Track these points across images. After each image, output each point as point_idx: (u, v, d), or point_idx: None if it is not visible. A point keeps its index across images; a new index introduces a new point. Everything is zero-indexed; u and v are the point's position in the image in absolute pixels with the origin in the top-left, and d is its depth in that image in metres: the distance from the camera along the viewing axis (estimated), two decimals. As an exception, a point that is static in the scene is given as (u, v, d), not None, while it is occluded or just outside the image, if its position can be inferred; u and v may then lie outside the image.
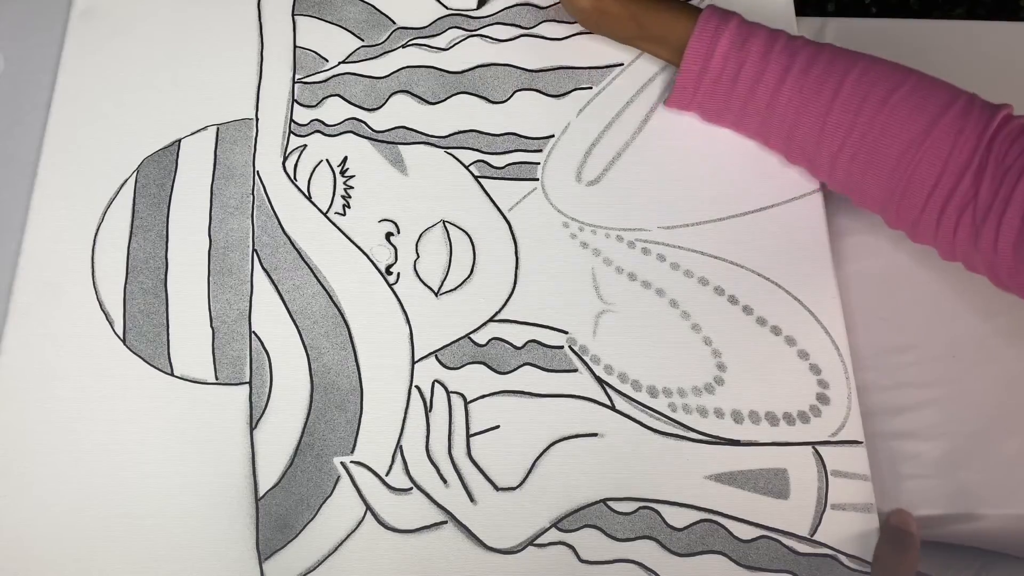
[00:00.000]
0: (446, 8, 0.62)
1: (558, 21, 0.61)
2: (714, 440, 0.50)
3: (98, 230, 0.55)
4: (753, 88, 0.50)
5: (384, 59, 0.60)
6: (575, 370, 0.52)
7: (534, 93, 0.59)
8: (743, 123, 0.54)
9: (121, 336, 0.53)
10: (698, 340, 0.53)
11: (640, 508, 0.49)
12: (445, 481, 0.49)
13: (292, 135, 0.58)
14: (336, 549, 0.48)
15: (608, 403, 0.51)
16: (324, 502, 0.49)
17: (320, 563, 0.48)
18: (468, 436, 0.50)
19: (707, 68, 0.50)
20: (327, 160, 0.57)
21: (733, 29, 0.50)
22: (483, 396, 0.51)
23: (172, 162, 0.57)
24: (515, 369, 0.52)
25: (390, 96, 0.59)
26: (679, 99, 0.54)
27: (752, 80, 0.50)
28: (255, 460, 0.50)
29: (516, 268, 0.54)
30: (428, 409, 0.51)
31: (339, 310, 0.53)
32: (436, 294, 0.54)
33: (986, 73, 0.62)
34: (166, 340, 0.52)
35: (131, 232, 0.55)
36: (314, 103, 0.59)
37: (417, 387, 0.51)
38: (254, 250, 0.55)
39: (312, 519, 0.49)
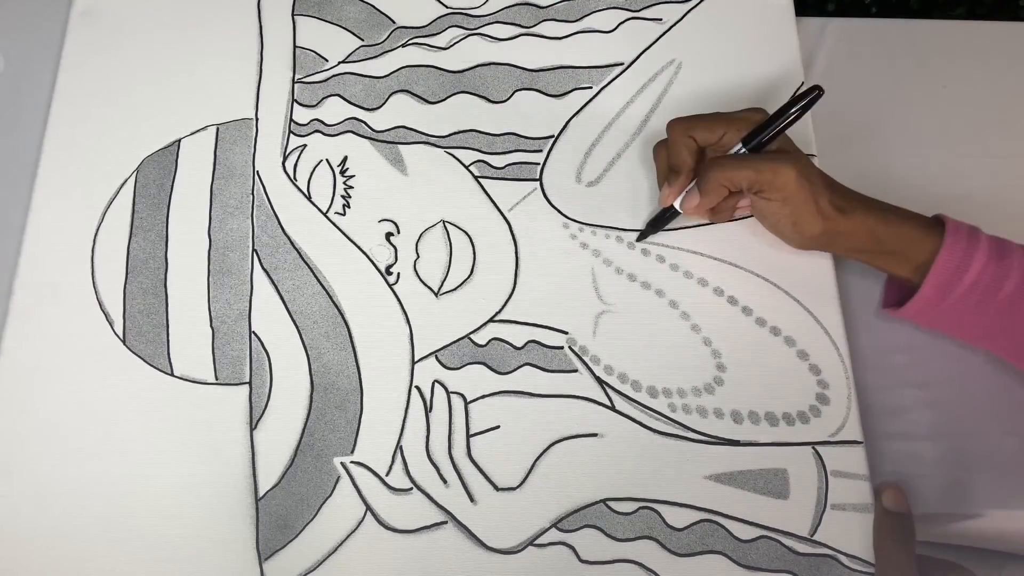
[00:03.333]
0: (446, 7, 0.62)
1: (559, 20, 0.61)
2: (714, 440, 0.50)
3: (98, 230, 0.55)
4: (1015, 301, 0.47)
5: (384, 59, 0.60)
6: (575, 370, 0.52)
7: (534, 93, 0.59)
8: (982, 332, 0.50)
9: (121, 336, 0.53)
10: (698, 340, 0.53)
11: (640, 508, 0.49)
12: (445, 481, 0.49)
13: (292, 135, 0.58)
14: (336, 549, 0.48)
15: (608, 403, 0.51)
16: (324, 502, 0.49)
17: (320, 563, 0.48)
18: (468, 436, 0.50)
19: (960, 281, 0.47)
20: (327, 160, 0.57)
21: (986, 241, 0.47)
22: (483, 396, 0.51)
23: (172, 162, 0.57)
24: (515, 369, 0.52)
25: (390, 96, 0.59)
26: (918, 310, 0.49)
27: (1016, 293, 0.46)
28: (255, 460, 0.50)
29: (516, 268, 0.54)
30: (428, 409, 0.51)
31: (339, 310, 0.53)
32: (436, 294, 0.54)
33: (986, 73, 0.62)
34: (166, 340, 0.52)
35: (131, 232, 0.55)
36: (314, 103, 0.59)
37: (417, 387, 0.51)
38: (254, 250, 0.55)
39: (312, 519, 0.49)
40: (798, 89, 0.48)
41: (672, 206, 0.52)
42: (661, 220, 0.54)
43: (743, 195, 0.51)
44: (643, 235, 0.54)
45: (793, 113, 0.48)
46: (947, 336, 0.52)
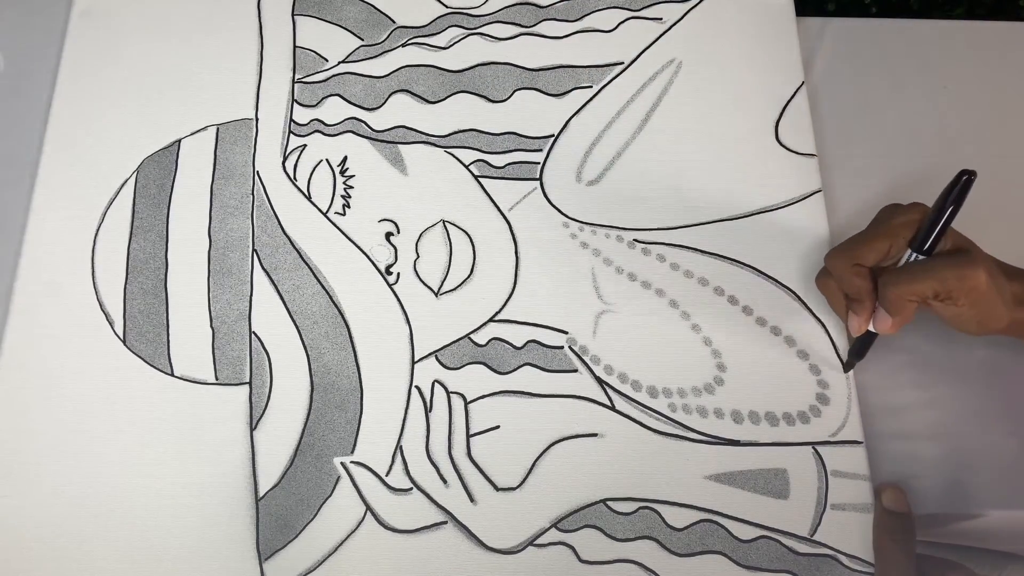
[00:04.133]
0: (446, 7, 0.62)
1: (559, 20, 0.61)
2: (714, 440, 0.50)
3: (98, 230, 0.55)
4: None
5: (384, 58, 0.60)
6: (575, 370, 0.52)
7: (534, 92, 0.59)
8: None
9: (121, 336, 0.53)
10: (698, 340, 0.53)
11: (640, 508, 0.49)
12: (445, 481, 0.49)
13: (292, 135, 0.58)
14: (336, 549, 0.48)
15: (608, 403, 0.51)
16: (324, 502, 0.49)
17: (320, 563, 0.48)
18: (468, 436, 0.50)
19: None
20: (327, 160, 0.57)
21: None
22: (483, 396, 0.51)
23: (172, 162, 0.57)
24: (515, 369, 0.52)
25: (390, 95, 0.59)
26: None
27: None
28: (255, 460, 0.50)
29: (516, 268, 0.54)
30: (428, 409, 0.51)
31: (339, 310, 0.53)
32: (436, 294, 0.54)
33: (986, 73, 0.62)
34: (166, 340, 0.52)
35: (131, 232, 0.55)
36: (314, 103, 0.59)
37: (417, 387, 0.51)
38: (254, 250, 0.55)
39: (312, 519, 0.49)
40: (955, 181, 0.46)
41: (872, 332, 0.49)
42: (864, 346, 0.50)
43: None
44: (850, 365, 0.51)
45: (951, 205, 0.45)
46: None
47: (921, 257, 0.46)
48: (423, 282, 0.54)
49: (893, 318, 0.46)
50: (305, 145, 0.57)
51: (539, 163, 0.57)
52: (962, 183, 0.45)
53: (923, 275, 0.45)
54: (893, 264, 0.48)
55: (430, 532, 0.49)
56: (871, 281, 0.47)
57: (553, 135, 0.58)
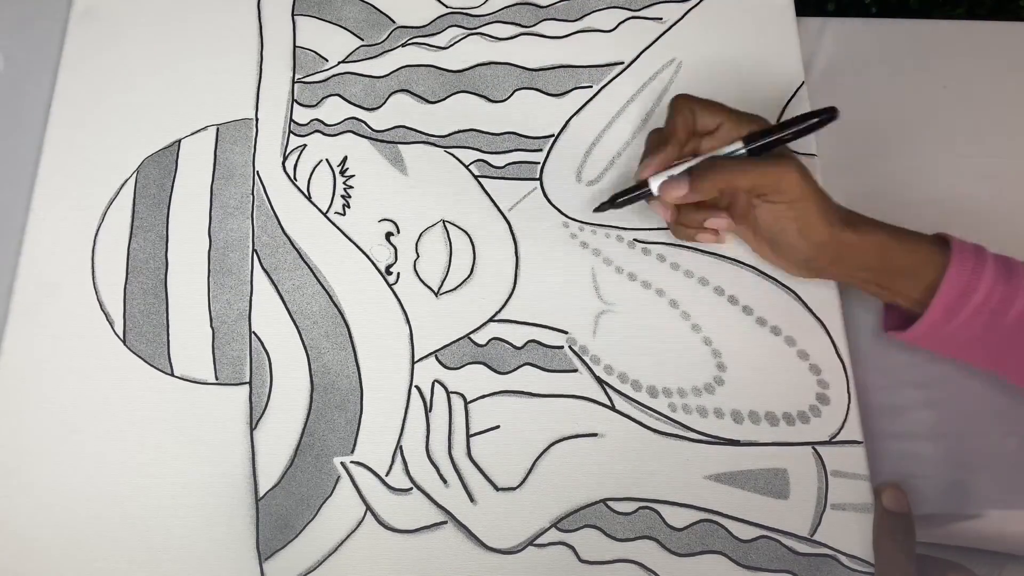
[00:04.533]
0: (446, 7, 0.62)
1: (559, 20, 0.61)
2: (714, 440, 0.50)
3: (98, 230, 0.55)
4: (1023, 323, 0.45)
5: (384, 58, 0.60)
6: (575, 370, 0.52)
7: (534, 92, 0.59)
8: (988, 355, 0.49)
9: (121, 336, 0.53)
10: (698, 340, 0.53)
11: (640, 508, 0.49)
12: (445, 481, 0.49)
13: (292, 135, 0.58)
14: (336, 549, 0.48)
15: (608, 403, 0.51)
16: (324, 502, 0.49)
17: (320, 563, 0.48)
18: (468, 436, 0.50)
19: (967, 302, 0.45)
20: (327, 160, 0.57)
21: (992, 261, 0.46)
22: (483, 396, 0.51)
23: (172, 162, 0.57)
24: (515, 369, 0.52)
25: (390, 95, 0.59)
26: (924, 332, 0.48)
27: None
28: (255, 460, 0.50)
29: (516, 268, 0.54)
30: (428, 409, 0.51)
31: (339, 310, 0.53)
32: (436, 294, 0.54)
33: (986, 73, 0.62)
34: (166, 340, 0.52)
35: (131, 232, 0.55)
36: (314, 103, 0.59)
37: (417, 387, 0.51)
38: (254, 250, 0.55)
39: (312, 519, 0.49)
40: (815, 113, 0.46)
41: (648, 186, 0.49)
42: (628, 197, 0.50)
43: (711, 214, 0.50)
44: (602, 207, 0.52)
45: (802, 128, 0.46)
46: (949, 359, 0.51)
47: (744, 152, 0.48)
48: (423, 282, 0.54)
49: (690, 191, 0.47)
50: (305, 145, 0.57)
51: (539, 163, 0.57)
52: (824, 117, 0.46)
53: (744, 167, 0.46)
54: (713, 149, 0.49)
55: (430, 532, 0.49)
56: (688, 137, 0.49)
57: (553, 135, 0.58)
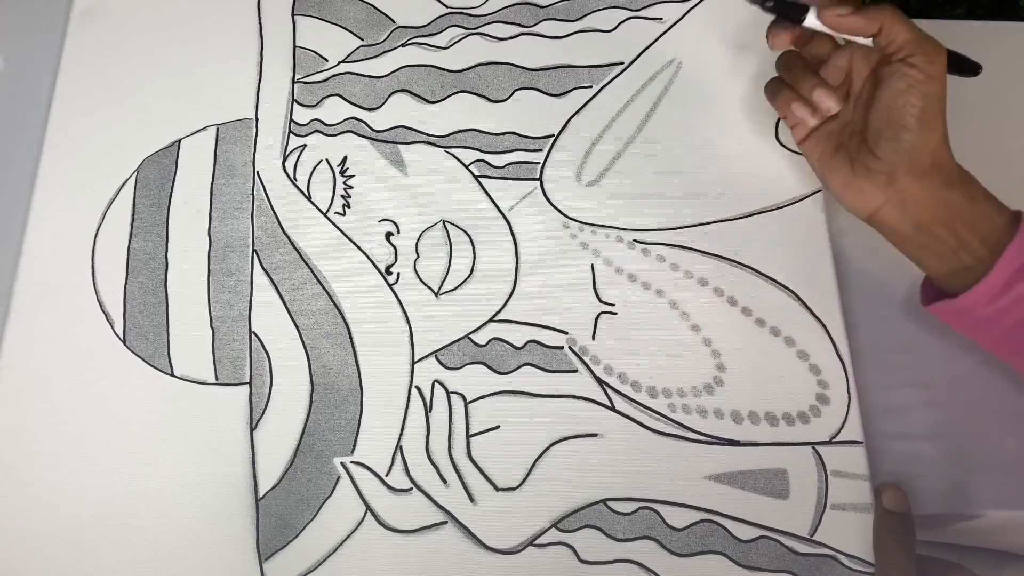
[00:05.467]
0: (446, 7, 0.62)
1: (559, 20, 0.61)
2: (714, 440, 0.50)
3: (98, 230, 0.55)
4: None
5: (384, 58, 0.60)
6: (575, 370, 0.52)
7: (534, 92, 0.59)
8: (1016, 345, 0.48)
9: (121, 336, 0.53)
10: (698, 341, 0.53)
11: (640, 508, 0.49)
12: (445, 481, 0.49)
13: (292, 135, 0.58)
14: (336, 549, 0.48)
15: (608, 403, 0.51)
16: (324, 502, 0.49)
17: (320, 563, 0.48)
18: (468, 436, 0.50)
19: (1019, 281, 0.44)
20: (327, 160, 0.57)
21: None
22: (483, 396, 0.51)
23: (172, 162, 0.57)
24: (515, 369, 0.52)
25: (390, 95, 0.59)
26: (975, 302, 0.46)
27: None
28: (255, 460, 0.50)
29: (516, 268, 0.54)
30: (428, 409, 0.51)
31: (339, 310, 0.53)
32: (436, 294, 0.54)
33: (986, 73, 0.62)
34: (166, 340, 0.52)
35: (131, 232, 0.55)
36: (314, 103, 0.59)
37: (417, 387, 0.51)
38: (254, 250, 0.55)
39: (312, 519, 0.49)
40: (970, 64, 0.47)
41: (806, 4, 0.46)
42: (790, 5, 0.46)
43: (823, 85, 0.47)
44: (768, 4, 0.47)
45: (960, 66, 0.47)
46: (971, 341, 0.50)
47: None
48: (423, 282, 0.54)
49: (858, 15, 0.45)
50: (305, 145, 0.57)
51: (539, 163, 0.57)
52: (967, 71, 0.47)
53: (911, 24, 0.45)
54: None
55: (430, 532, 0.49)
56: None
57: (553, 135, 0.58)
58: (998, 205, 0.47)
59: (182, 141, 0.58)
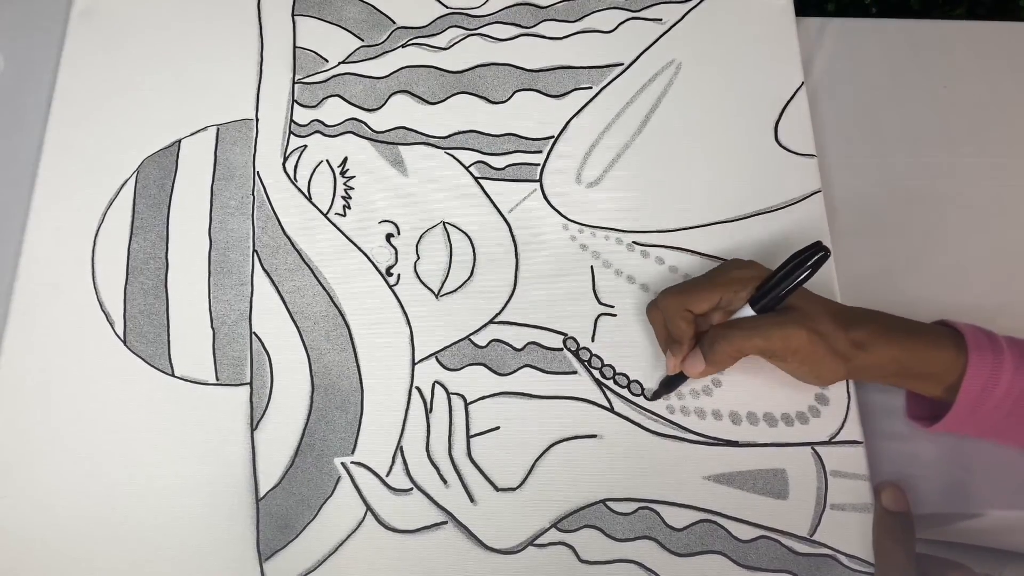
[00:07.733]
0: (446, 7, 0.62)
1: (559, 20, 0.61)
2: (713, 441, 0.50)
3: (98, 230, 0.55)
4: None
5: (384, 59, 0.60)
6: (574, 372, 0.52)
7: (534, 93, 0.59)
8: (1010, 435, 0.49)
9: (121, 336, 0.53)
10: (698, 341, 0.53)
11: (639, 508, 0.49)
12: (445, 481, 0.50)
13: (292, 135, 0.58)
14: (336, 549, 0.48)
15: (607, 405, 0.51)
16: (325, 502, 0.49)
17: (320, 563, 0.48)
18: (468, 437, 0.50)
19: (990, 396, 0.46)
20: (327, 161, 0.57)
21: (1009, 354, 0.46)
22: (483, 397, 0.51)
23: (172, 162, 0.57)
24: (515, 371, 0.52)
25: (390, 96, 0.59)
26: (949, 427, 0.48)
27: None
28: (256, 460, 0.50)
29: (516, 270, 0.54)
30: (428, 410, 0.51)
31: (340, 311, 0.53)
32: (436, 295, 0.54)
33: (986, 73, 0.62)
34: (166, 341, 0.52)
35: (131, 232, 0.55)
36: (314, 103, 0.59)
37: (417, 388, 0.51)
38: (254, 251, 0.55)
39: (312, 519, 0.49)
40: (805, 251, 0.46)
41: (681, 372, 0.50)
42: (673, 383, 0.51)
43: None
44: (657, 395, 0.51)
45: (802, 275, 0.46)
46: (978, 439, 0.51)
47: (752, 313, 0.47)
48: (423, 283, 0.54)
49: (707, 367, 0.48)
50: (305, 146, 0.57)
51: (539, 164, 0.57)
52: (819, 257, 0.46)
53: (750, 334, 0.46)
54: (723, 315, 0.49)
55: (430, 532, 0.49)
56: (694, 328, 0.49)
57: (553, 136, 0.58)
58: (932, 344, 0.47)
59: (182, 141, 0.58)
